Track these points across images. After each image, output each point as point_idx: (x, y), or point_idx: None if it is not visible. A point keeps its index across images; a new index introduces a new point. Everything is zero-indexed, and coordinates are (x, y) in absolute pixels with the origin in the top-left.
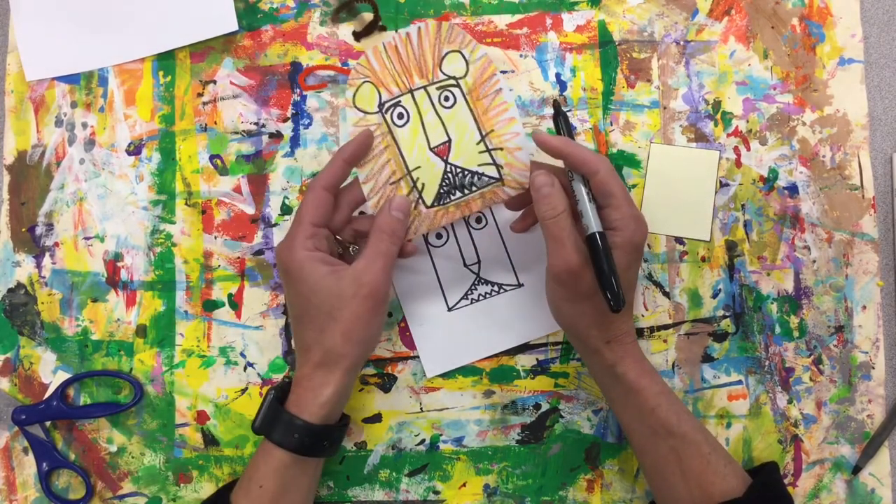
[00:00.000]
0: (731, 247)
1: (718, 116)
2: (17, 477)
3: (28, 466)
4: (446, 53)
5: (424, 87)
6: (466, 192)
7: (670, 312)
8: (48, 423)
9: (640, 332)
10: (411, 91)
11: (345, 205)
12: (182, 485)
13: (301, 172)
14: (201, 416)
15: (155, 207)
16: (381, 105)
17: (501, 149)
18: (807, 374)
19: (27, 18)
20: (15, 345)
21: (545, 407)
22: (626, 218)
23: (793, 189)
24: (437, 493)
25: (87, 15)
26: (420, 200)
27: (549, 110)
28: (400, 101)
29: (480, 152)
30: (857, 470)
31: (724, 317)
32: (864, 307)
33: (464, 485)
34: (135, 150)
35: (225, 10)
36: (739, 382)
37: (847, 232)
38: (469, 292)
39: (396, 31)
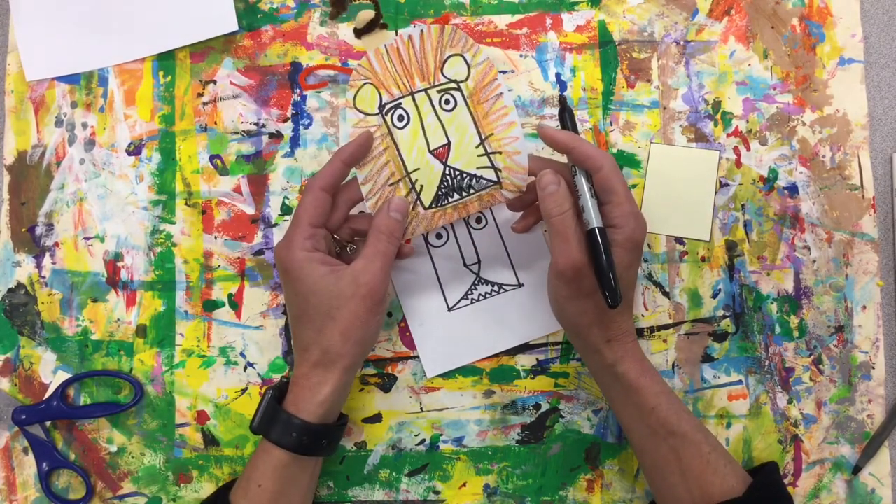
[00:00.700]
0: (731, 247)
1: (718, 116)
2: (17, 477)
3: (28, 466)
4: (448, 57)
5: (425, 90)
6: (464, 194)
7: (670, 312)
8: (48, 423)
9: (640, 332)
10: (412, 93)
11: (342, 204)
12: (182, 485)
13: (301, 172)
14: (201, 417)
15: (155, 207)
16: (381, 107)
17: (500, 152)
18: (807, 374)
19: (27, 18)
20: (15, 345)
21: (545, 407)
22: (626, 215)
23: (793, 189)
24: (437, 493)
25: (87, 15)
26: (418, 202)
27: (549, 110)
28: (400, 104)
29: (479, 155)
30: (857, 470)
31: (724, 317)
32: (864, 307)
33: (464, 485)
34: (135, 150)
35: (225, 10)
36: (739, 382)
37: (847, 232)
38: (469, 292)
39: (398, 34)
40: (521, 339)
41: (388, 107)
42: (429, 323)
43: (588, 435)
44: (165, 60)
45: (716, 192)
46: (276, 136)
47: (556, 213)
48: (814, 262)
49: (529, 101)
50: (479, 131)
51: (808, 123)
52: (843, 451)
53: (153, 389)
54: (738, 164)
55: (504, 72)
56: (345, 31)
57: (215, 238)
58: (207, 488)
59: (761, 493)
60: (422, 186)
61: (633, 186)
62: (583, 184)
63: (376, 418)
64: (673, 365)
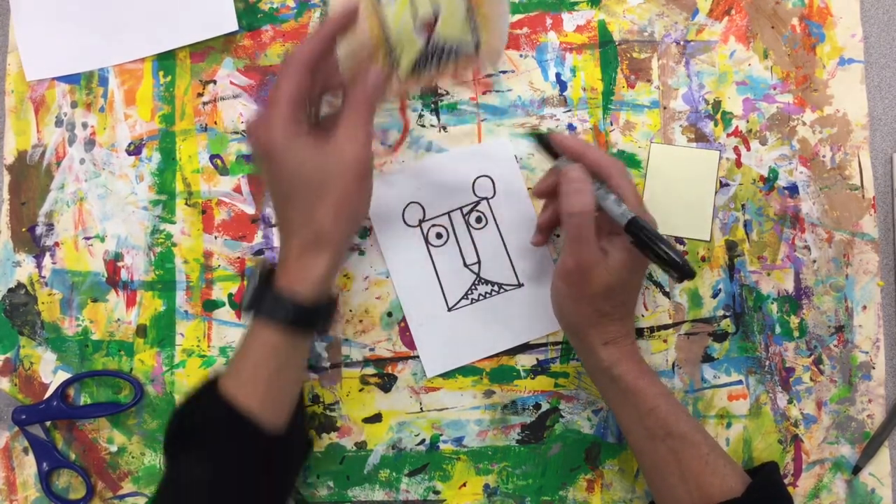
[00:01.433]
0: (731, 247)
1: (718, 116)
2: (17, 477)
3: (28, 466)
4: None
5: None
6: (441, 64)
7: (670, 312)
8: (48, 423)
9: (640, 332)
10: None
11: (319, 80)
12: None
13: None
14: None
15: (155, 207)
16: None
17: (485, 20)
18: (807, 374)
19: (27, 18)
20: (15, 345)
21: (545, 407)
22: None
23: (793, 189)
24: (437, 493)
25: (87, 15)
26: (395, 71)
27: (549, 110)
28: None
29: (462, 27)
30: (857, 470)
31: (725, 317)
32: (865, 307)
33: (464, 485)
34: (135, 150)
35: (225, 10)
36: (739, 382)
37: (847, 232)
38: (469, 292)
39: None
40: (521, 339)
41: None
42: (429, 323)
43: (588, 435)
44: (165, 60)
45: (716, 192)
46: None
47: (577, 209)
48: (814, 262)
49: (529, 101)
50: (468, 2)
51: (809, 123)
52: (843, 451)
53: (153, 389)
54: (739, 164)
55: (504, 72)
56: None
57: (215, 238)
58: None
59: (761, 494)
60: (400, 55)
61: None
62: (602, 190)
63: (376, 418)
64: (673, 365)
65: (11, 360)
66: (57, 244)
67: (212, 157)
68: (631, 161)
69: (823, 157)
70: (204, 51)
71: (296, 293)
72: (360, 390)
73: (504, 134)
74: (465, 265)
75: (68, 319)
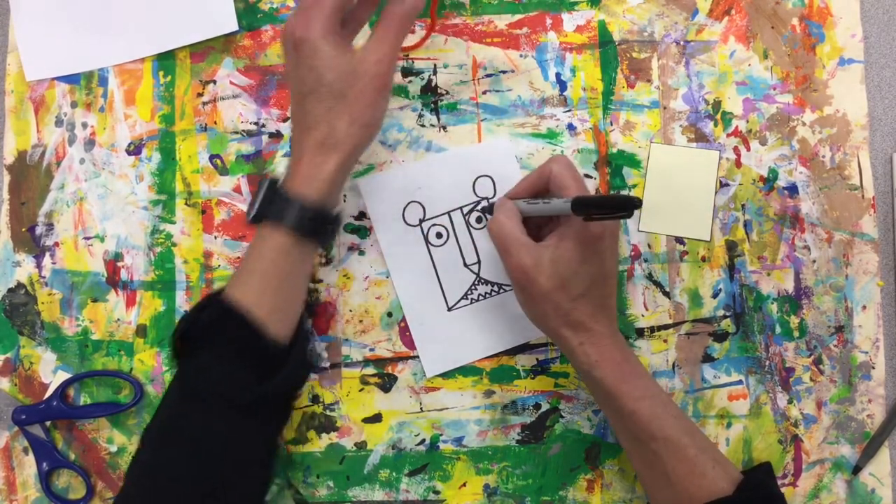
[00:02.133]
0: (731, 247)
1: (718, 116)
2: (17, 477)
3: (28, 466)
4: None
5: None
6: None
7: (670, 312)
8: (48, 423)
9: (640, 332)
10: None
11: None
12: None
13: None
14: None
15: (155, 207)
16: None
17: None
18: (807, 374)
19: (27, 18)
20: (15, 345)
21: (545, 407)
22: None
23: (793, 189)
24: (437, 493)
25: (87, 15)
26: None
27: (549, 110)
28: None
29: None
30: (857, 470)
31: (725, 317)
32: (864, 307)
33: (464, 485)
34: (135, 149)
35: (225, 10)
36: (740, 382)
37: (847, 232)
38: (469, 292)
39: None
40: (521, 339)
41: None
42: (429, 323)
43: (588, 435)
44: (165, 60)
45: (716, 192)
46: (276, 135)
47: (492, 226)
48: (814, 262)
49: (529, 101)
50: None
51: (808, 123)
52: (843, 451)
53: (153, 389)
54: (738, 164)
55: (504, 72)
56: None
57: (215, 238)
58: None
59: (750, 493)
60: None
61: (634, 186)
62: (542, 202)
63: (376, 418)
64: (673, 365)
65: (11, 360)
66: (57, 244)
67: (212, 157)
68: (631, 161)
69: (823, 157)
70: (204, 51)
71: (305, 196)
72: (360, 390)
73: (504, 134)
74: (465, 265)
75: (68, 319)
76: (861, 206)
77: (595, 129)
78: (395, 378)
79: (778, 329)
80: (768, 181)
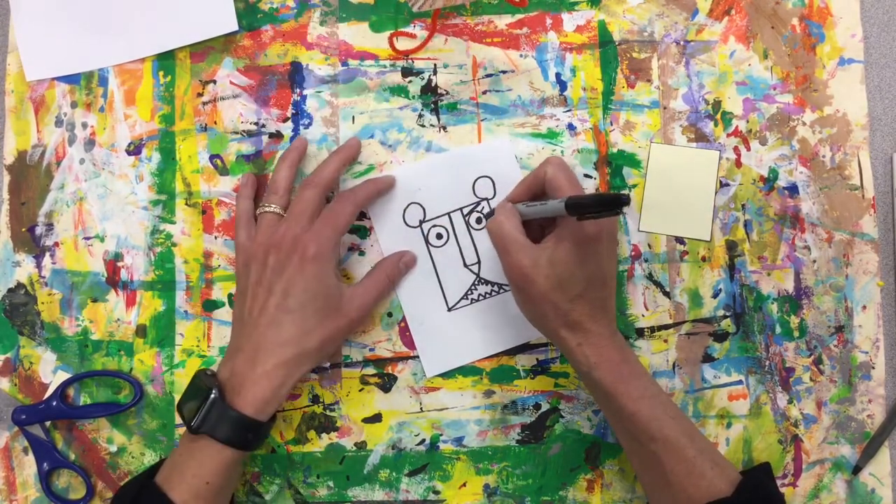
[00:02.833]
0: (731, 247)
1: (718, 116)
2: (17, 477)
3: (28, 466)
4: None
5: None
6: None
7: (671, 312)
8: (48, 423)
9: (640, 332)
10: None
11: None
12: None
13: (301, 173)
14: None
15: (155, 207)
16: None
17: None
18: (807, 374)
19: (27, 18)
20: (15, 345)
21: (545, 407)
22: None
23: (793, 189)
24: (437, 493)
25: (87, 15)
26: None
27: (549, 110)
28: None
29: None
30: (857, 470)
31: (725, 317)
32: (864, 307)
33: (464, 485)
34: (135, 149)
35: (225, 10)
36: (740, 382)
37: (847, 232)
38: (469, 292)
39: None
40: (521, 339)
41: None
42: (429, 323)
43: (588, 435)
44: (165, 60)
45: (716, 192)
46: (277, 136)
47: (491, 226)
48: (814, 262)
49: (529, 101)
50: None
51: (808, 123)
52: (843, 451)
53: (153, 389)
54: (738, 164)
55: (504, 72)
56: (345, 30)
57: (215, 238)
58: None
59: (749, 495)
60: None
61: (634, 186)
62: (538, 204)
63: (376, 418)
64: (673, 365)
65: (11, 360)
66: (57, 244)
67: (212, 157)
68: (631, 161)
69: (823, 157)
70: (204, 51)
71: (260, 412)
72: (360, 390)
73: (504, 134)
74: (465, 265)
75: (68, 319)
76: (861, 206)
77: (595, 129)
78: (395, 378)
79: (778, 329)
80: (768, 181)
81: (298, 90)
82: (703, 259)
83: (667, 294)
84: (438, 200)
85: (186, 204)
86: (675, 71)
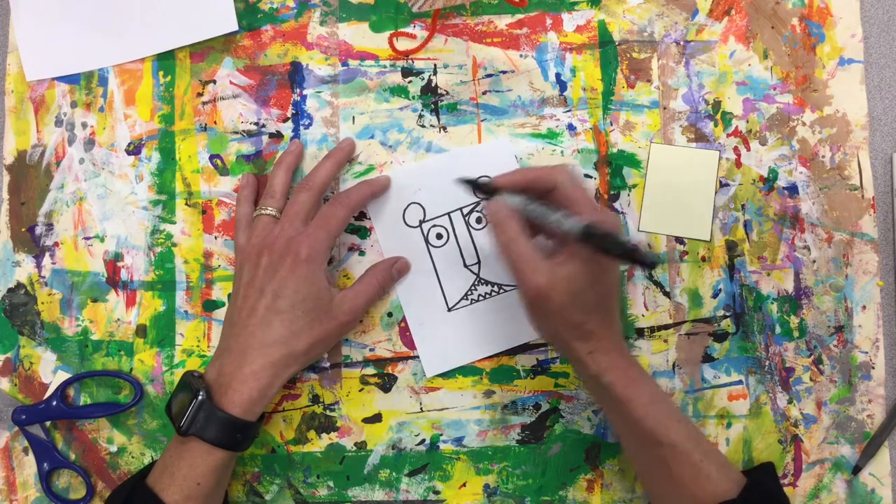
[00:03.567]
0: (731, 247)
1: (718, 116)
2: (17, 477)
3: (28, 466)
4: None
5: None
6: None
7: (671, 312)
8: (48, 423)
9: (640, 332)
10: None
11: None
12: None
13: (301, 173)
14: None
15: (155, 207)
16: None
17: None
18: (807, 374)
19: (27, 18)
20: (15, 345)
21: (545, 407)
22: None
23: (793, 189)
24: (437, 493)
25: (87, 15)
26: None
27: (549, 110)
28: None
29: None
30: (857, 470)
31: (725, 317)
32: (864, 307)
33: (464, 485)
34: (134, 149)
35: (225, 10)
36: (740, 382)
37: (847, 232)
38: (469, 292)
39: None
40: (521, 339)
41: None
42: (429, 323)
43: (588, 435)
44: (165, 60)
45: (716, 192)
46: (277, 136)
47: (502, 241)
48: (814, 262)
49: (529, 102)
50: None
51: (808, 123)
52: (843, 451)
53: (153, 389)
54: (738, 164)
55: (504, 72)
56: (345, 30)
57: (215, 238)
58: None
59: (754, 496)
60: None
61: (633, 186)
62: (536, 206)
63: (376, 418)
64: (673, 365)
65: (11, 360)
66: (57, 244)
67: (211, 157)
68: (631, 161)
69: (823, 157)
70: (204, 51)
71: (248, 413)
72: (360, 390)
73: (504, 134)
74: (465, 265)
75: (68, 319)
76: (861, 206)
77: (595, 130)
78: (395, 378)
79: (778, 329)
80: (768, 181)
81: (298, 90)
82: (703, 259)
83: (667, 294)
84: (438, 200)
85: (186, 204)
86: (675, 71)
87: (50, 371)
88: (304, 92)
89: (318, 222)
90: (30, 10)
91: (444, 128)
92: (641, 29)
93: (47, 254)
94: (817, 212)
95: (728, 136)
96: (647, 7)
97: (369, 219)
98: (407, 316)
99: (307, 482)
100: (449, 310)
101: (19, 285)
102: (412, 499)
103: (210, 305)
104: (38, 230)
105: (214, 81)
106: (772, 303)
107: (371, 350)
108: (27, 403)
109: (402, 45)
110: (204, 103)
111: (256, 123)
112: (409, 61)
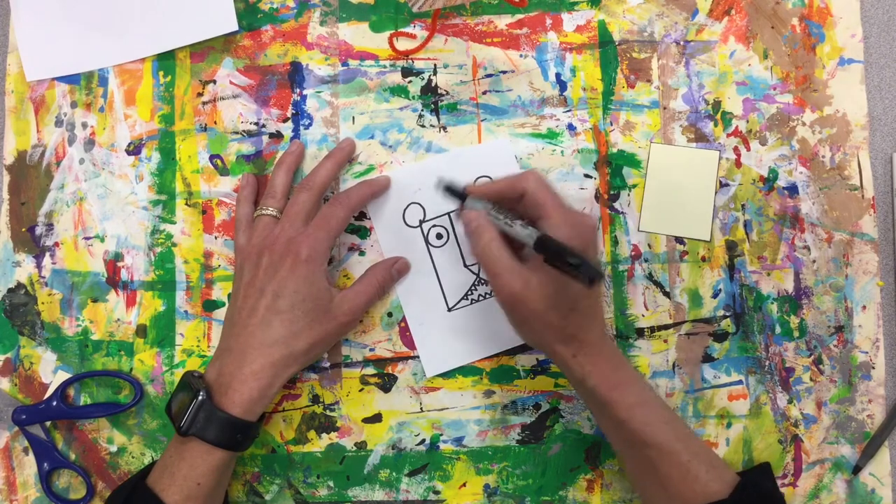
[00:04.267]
0: (731, 247)
1: (718, 116)
2: (17, 477)
3: (28, 466)
4: None
5: None
6: None
7: (671, 312)
8: (48, 423)
9: (640, 332)
10: None
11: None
12: None
13: (301, 173)
14: None
15: (155, 207)
16: None
17: None
18: (807, 374)
19: (27, 18)
20: (15, 345)
21: (545, 407)
22: (558, 225)
23: (793, 189)
24: (437, 493)
25: (87, 15)
26: None
27: (549, 110)
28: None
29: None
30: (857, 470)
31: (725, 317)
32: (864, 307)
33: (464, 485)
34: (134, 149)
35: (225, 10)
36: (740, 382)
37: (847, 232)
38: (469, 292)
39: None
40: (521, 339)
41: None
42: (429, 323)
43: (588, 435)
44: (165, 60)
45: (716, 192)
46: (277, 136)
47: (476, 248)
48: (814, 262)
49: (529, 101)
50: None
51: (808, 123)
52: (844, 451)
53: (153, 389)
54: (738, 164)
55: (504, 72)
56: (345, 30)
57: (215, 238)
58: None
59: (745, 495)
60: None
61: (634, 186)
62: (499, 215)
63: (376, 418)
64: (673, 365)
65: (11, 360)
66: (57, 244)
67: (212, 157)
68: (631, 161)
69: (823, 157)
70: (204, 51)
71: (248, 412)
72: (360, 390)
73: (504, 134)
74: (465, 265)
75: (68, 319)
76: (861, 206)
77: (595, 129)
78: (395, 378)
79: (778, 329)
80: (768, 181)
81: (298, 90)
82: (703, 259)
83: (667, 294)
84: (438, 200)
85: (186, 204)
86: (675, 71)
87: (50, 371)
88: (304, 92)
89: (318, 222)
90: (30, 10)
91: (444, 128)
92: (641, 29)
93: (47, 254)
94: (817, 212)
95: (728, 136)
96: (647, 7)
97: (369, 219)
98: (407, 316)
99: (307, 482)
100: (449, 310)
101: (19, 285)
102: (412, 499)
103: (210, 305)
104: (39, 230)
105: (214, 81)
106: (772, 303)
107: (371, 350)
108: (27, 403)
109: (402, 45)
110: (204, 103)
111: (256, 123)
112: (409, 61)
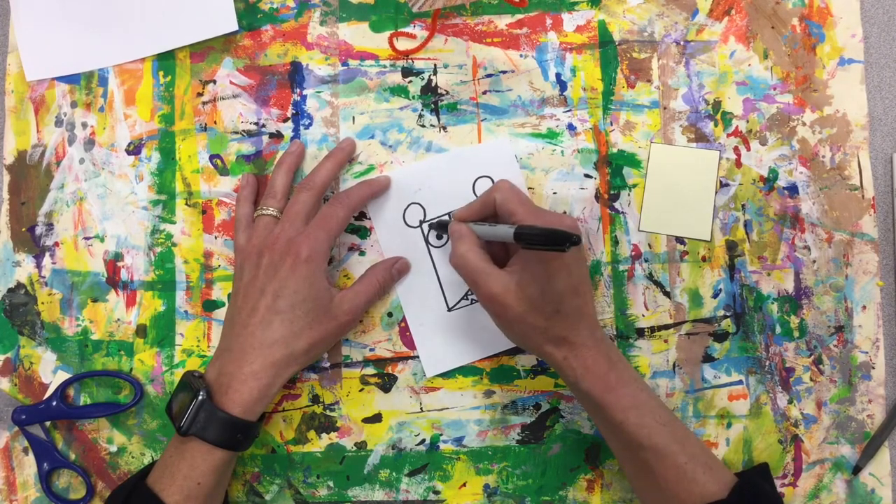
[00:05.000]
0: (731, 247)
1: (718, 116)
2: (17, 477)
3: (28, 466)
4: None
5: None
6: None
7: (671, 312)
8: (48, 423)
9: (640, 332)
10: None
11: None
12: None
13: (301, 173)
14: None
15: (155, 207)
16: None
17: None
18: (807, 374)
19: (27, 18)
20: (15, 345)
21: (545, 407)
22: (532, 221)
23: (793, 189)
24: (437, 493)
25: (87, 15)
26: None
27: (549, 110)
28: None
29: None
30: (857, 470)
31: (725, 317)
32: (864, 307)
33: (464, 485)
34: (134, 149)
35: (225, 10)
36: (740, 382)
37: (847, 232)
38: (469, 293)
39: None
40: None
41: None
42: (429, 323)
43: (588, 435)
44: (165, 60)
45: (716, 192)
46: (277, 136)
47: (452, 256)
48: (814, 262)
49: (529, 101)
50: None
51: (808, 123)
52: (844, 451)
53: (153, 389)
54: (739, 164)
55: (504, 72)
56: (345, 30)
57: (215, 238)
58: None
59: (743, 496)
60: None
61: (634, 186)
62: (488, 226)
63: (376, 418)
64: (673, 365)
65: (11, 360)
66: (57, 244)
67: (212, 157)
68: (631, 161)
69: (823, 157)
70: (204, 51)
71: (248, 412)
72: (360, 390)
73: (504, 134)
74: None
75: (68, 319)
76: (861, 206)
77: (595, 129)
78: (395, 378)
79: (778, 329)
80: (768, 181)
81: (298, 90)
82: (704, 259)
83: (667, 294)
84: (438, 200)
85: (186, 204)
86: (675, 71)
87: (50, 371)
88: (304, 92)
89: (318, 222)
90: (30, 10)
91: (444, 128)
92: (641, 29)
93: (47, 254)
94: (817, 212)
95: (728, 136)
96: (647, 7)
97: (369, 219)
98: (407, 316)
99: (307, 482)
100: (449, 310)
101: (19, 285)
102: (412, 499)
103: (210, 305)
104: (39, 230)
105: (214, 81)
106: (772, 303)
107: (371, 350)
108: (27, 403)
109: (402, 45)
110: (204, 103)
111: (256, 123)
112: (409, 61)
